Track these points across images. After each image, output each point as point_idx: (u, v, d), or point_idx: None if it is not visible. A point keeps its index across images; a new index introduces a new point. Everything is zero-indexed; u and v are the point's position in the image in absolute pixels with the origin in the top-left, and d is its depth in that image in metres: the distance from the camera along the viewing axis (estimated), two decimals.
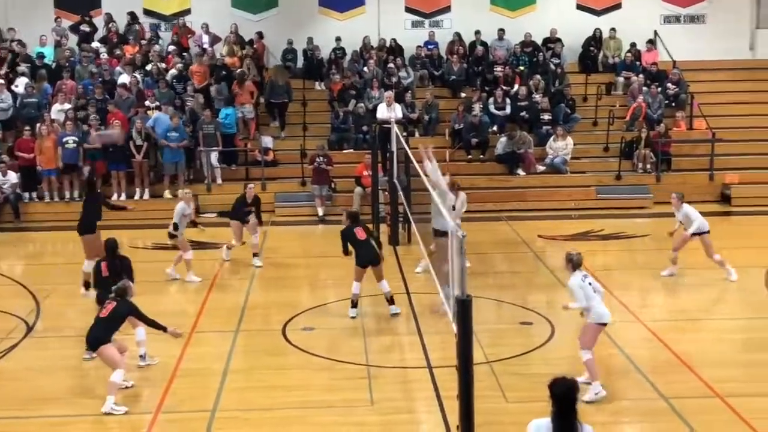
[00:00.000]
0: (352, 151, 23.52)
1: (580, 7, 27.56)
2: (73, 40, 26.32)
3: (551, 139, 23.39)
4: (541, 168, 23.16)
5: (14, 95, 23.55)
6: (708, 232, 15.46)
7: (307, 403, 10.59)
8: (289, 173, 23.15)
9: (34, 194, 22.30)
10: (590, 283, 10.42)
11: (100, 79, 24.09)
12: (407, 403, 10.77)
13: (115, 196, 21.31)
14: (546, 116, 24.03)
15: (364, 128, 23.38)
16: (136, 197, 21.96)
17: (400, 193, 18.22)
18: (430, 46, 26.73)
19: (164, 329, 11.00)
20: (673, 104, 25.01)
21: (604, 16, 27.40)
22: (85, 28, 26.42)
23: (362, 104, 23.96)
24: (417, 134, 23.24)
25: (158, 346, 11.90)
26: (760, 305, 14.11)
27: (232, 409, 10.45)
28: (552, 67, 25.80)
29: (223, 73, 24.52)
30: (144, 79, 24.36)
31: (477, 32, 26.62)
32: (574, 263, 10.49)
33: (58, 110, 22.89)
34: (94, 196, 15.69)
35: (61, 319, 14.18)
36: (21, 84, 23.78)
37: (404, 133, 20.02)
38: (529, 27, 26.77)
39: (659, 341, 12.52)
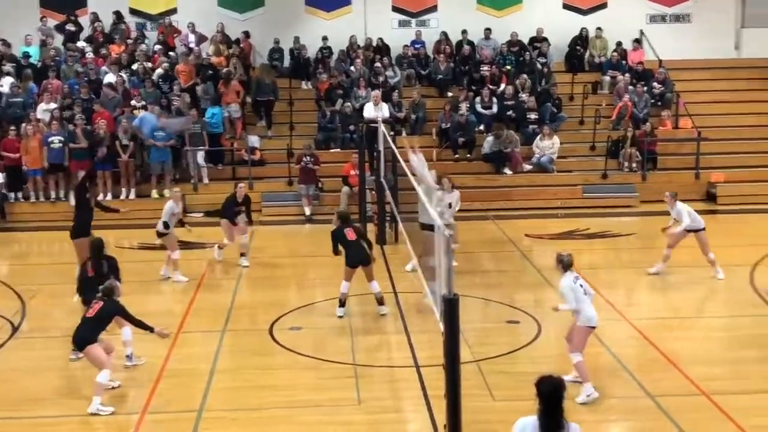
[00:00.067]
0: (339, 150, 23.50)
1: (566, 6, 27.61)
2: (58, 39, 26.20)
3: (538, 138, 23.44)
4: (527, 167, 23.20)
5: None
6: (703, 229, 15.55)
7: (294, 402, 10.59)
8: (275, 173, 23.12)
9: (20, 194, 22.21)
10: (581, 285, 10.40)
11: (85, 79, 23.99)
12: (394, 402, 10.78)
13: (101, 196, 21.22)
14: (532, 115, 24.07)
15: (351, 128, 23.36)
16: (122, 197, 21.89)
17: (387, 192, 18.24)
18: (416, 46, 26.74)
19: (151, 330, 10.97)
20: (659, 103, 25.09)
21: (590, 16, 27.47)
22: (70, 27, 26.31)
23: (349, 103, 23.95)
24: (404, 133, 23.26)
25: (145, 347, 11.88)
26: (746, 303, 14.24)
27: (218, 410, 10.44)
28: (538, 66, 25.85)
29: (210, 72, 24.46)
30: (130, 78, 24.28)
31: (464, 32, 26.64)
32: (564, 264, 10.49)
33: (43, 110, 22.79)
34: (86, 199, 15.57)
35: (47, 320, 14.14)
36: (6, 84, 23.66)
37: (391, 133, 20.00)
38: (515, 26, 26.79)
39: (645, 340, 12.57)
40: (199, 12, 26.83)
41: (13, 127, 22.02)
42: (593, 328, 10.54)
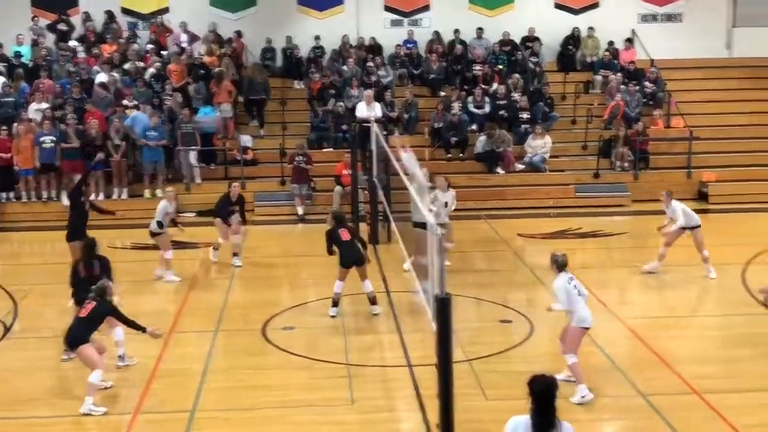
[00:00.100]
0: (331, 150, 23.50)
1: (558, 6, 27.63)
2: (50, 39, 26.13)
3: (530, 137, 23.46)
4: (520, 166, 23.22)
5: None
6: (699, 226, 15.61)
7: (286, 402, 10.58)
8: (268, 172, 23.10)
9: (11, 194, 22.14)
10: (575, 286, 10.39)
11: (77, 78, 23.94)
12: (387, 402, 10.78)
13: (93, 196, 21.16)
14: (525, 115, 24.09)
15: (344, 127, 23.35)
16: (115, 197, 21.86)
17: (380, 191, 18.24)
18: (409, 45, 26.75)
19: (143, 330, 10.96)
20: (651, 102, 25.14)
21: (582, 15, 27.50)
22: (62, 27, 26.22)
23: (341, 103, 23.94)
24: (397, 133, 23.25)
25: (137, 347, 11.86)
26: (738, 302, 14.27)
27: (211, 410, 10.43)
28: (530, 65, 25.88)
29: (202, 72, 24.43)
30: (122, 78, 24.24)
31: (456, 31, 26.67)
32: (559, 264, 10.48)
33: (35, 109, 22.73)
34: (81, 202, 15.46)
35: (39, 320, 14.11)
36: None
37: (384, 132, 20.03)
38: (507, 26, 26.83)
39: (638, 339, 12.60)
40: (191, 11, 26.79)
41: (4, 127, 21.92)
42: (587, 329, 10.54)
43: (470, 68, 25.70)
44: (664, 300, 14.96)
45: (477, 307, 14.42)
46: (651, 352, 12.02)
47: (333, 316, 13.67)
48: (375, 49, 26.54)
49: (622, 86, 24.98)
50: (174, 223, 16.58)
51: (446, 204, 16.33)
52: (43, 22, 26.34)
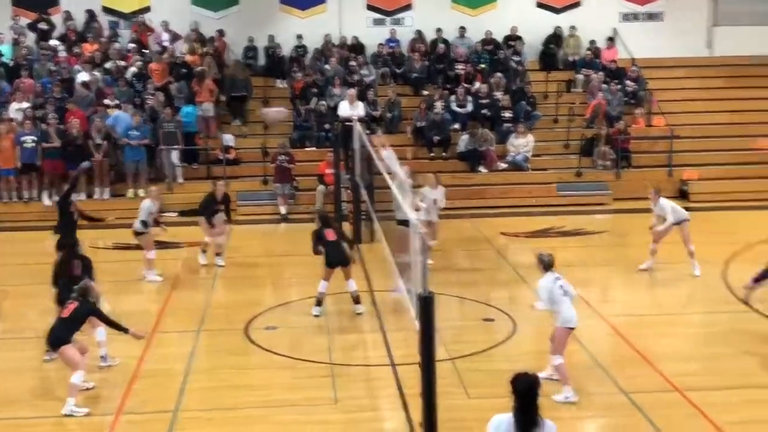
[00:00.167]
0: (314, 149, 23.48)
1: (540, 5, 27.69)
2: (31, 38, 25.98)
3: (512, 136, 23.50)
4: (502, 165, 23.26)
5: None
6: (687, 220, 15.72)
7: (269, 402, 10.57)
8: (251, 172, 23.04)
9: None
10: (561, 286, 10.36)
11: (58, 78, 23.82)
12: (370, 401, 10.79)
13: (74, 196, 21.02)
14: (507, 114, 24.14)
15: (327, 126, 23.34)
16: (96, 196, 21.76)
17: (363, 191, 18.23)
18: (391, 44, 26.76)
19: (126, 330, 10.91)
20: (632, 101, 25.23)
21: (563, 14, 27.57)
22: (43, 26, 26.08)
23: (324, 102, 23.93)
24: (379, 132, 23.25)
25: (119, 347, 11.81)
26: (719, 300, 14.35)
27: (194, 410, 10.41)
28: (513, 64, 25.92)
29: (184, 71, 24.37)
30: (103, 77, 24.14)
31: (438, 30, 26.70)
32: (545, 264, 10.49)
33: (16, 109, 22.59)
34: (70, 212, 15.22)
35: (20, 321, 14.03)
36: None
37: (367, 131, 20.02)
38: (489, 25, 26.88)
39: (620, 336, 12.65)
40: (173, 10, 26.69)
41: None
42: (572, 329, 10.53)
43: (453, 67, 25.72)
44: (646, 298, 15.03)
45: (460, 306, 14.45)
46: (633, 349, 12.08)
47: (316, 316, 13.66)
48: (357, 48, 26.53)
49: (604, 85, 25.07)
50: (157, 223, 16.52)
51: (435, 201, 16.32)
52: (24, 21, 26.19)
